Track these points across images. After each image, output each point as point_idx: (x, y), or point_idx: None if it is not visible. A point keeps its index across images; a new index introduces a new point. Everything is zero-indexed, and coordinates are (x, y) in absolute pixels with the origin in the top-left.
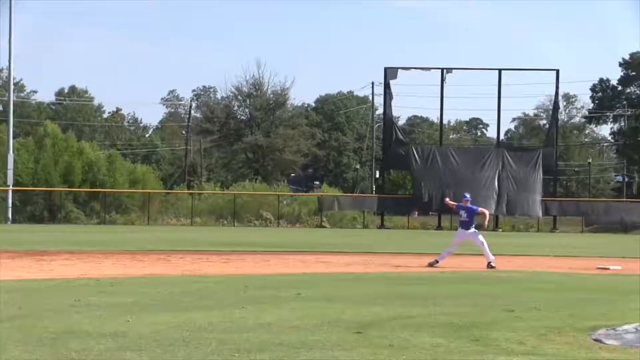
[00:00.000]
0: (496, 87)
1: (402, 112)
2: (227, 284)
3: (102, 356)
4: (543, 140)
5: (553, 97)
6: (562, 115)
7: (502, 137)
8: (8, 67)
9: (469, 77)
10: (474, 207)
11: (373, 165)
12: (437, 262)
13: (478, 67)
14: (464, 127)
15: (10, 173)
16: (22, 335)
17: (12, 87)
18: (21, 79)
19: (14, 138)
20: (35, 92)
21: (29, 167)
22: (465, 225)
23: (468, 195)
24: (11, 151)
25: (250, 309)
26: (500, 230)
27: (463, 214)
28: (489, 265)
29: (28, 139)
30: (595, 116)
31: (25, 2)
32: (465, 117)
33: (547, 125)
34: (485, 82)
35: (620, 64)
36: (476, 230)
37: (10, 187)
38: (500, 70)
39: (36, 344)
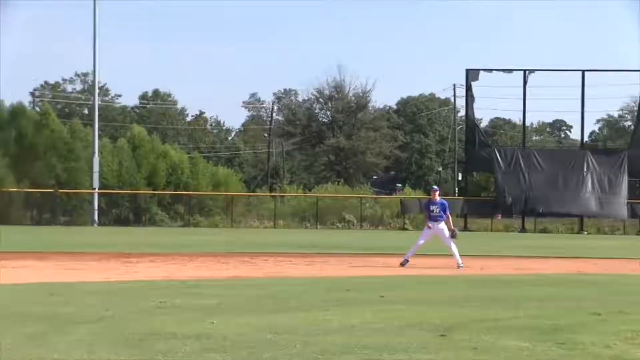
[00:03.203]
0: (579, 89)
1: (484, 114)
2: (310, 286)
3: (188, 357)
4: (629, 142)
5: (638, 98)
6: None
7: (586, 138)
8: (93, 72)
9: (551, 78)
10: (445, 202)
11: (455, 167)
12: (407, 261)
13: (561, 68)
14: (547, 129)
15: (96, 176)
16: (110, 337)
17: (97, 91)
18: (105, 83)
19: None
20: (119, 95)
21: (114, 170)
22: (437, 220)
23: (436, 187)
24: (97, 154)
25: (333, 312)
26: (586, 232)
27: (436, 209)
28: (458, 266)
29: (116, 142)
30: None
31: (110, 6)
32: (549, 119)
33: (632, 127)
34: (568, 84)
35: None
36: (444, 228)
37: (97, 189)
38: (583, 72)
39: (123, 346)
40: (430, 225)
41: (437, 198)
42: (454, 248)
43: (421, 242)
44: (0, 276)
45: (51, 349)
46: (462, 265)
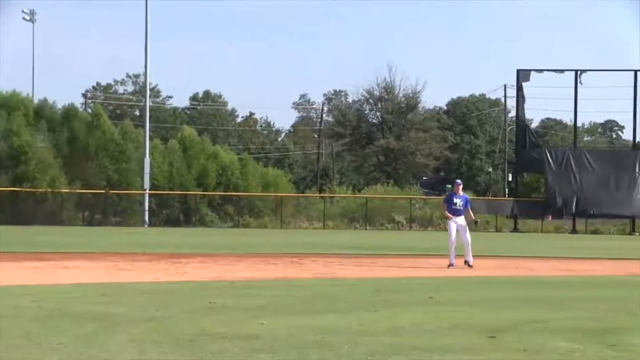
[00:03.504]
0: (632, 89)
1: (534, 114)
2: (359, 287)
3: (237, 358)
4: None
5: None
6: None
7: (638, 139)
8: (144, 73)
9: (603, 79)
10: (467, 196)
11: (506, 168)
12: (453, 264)
13: (612, 68)
14: (599, 130)
15: (146, 177)
16: (160, 337)
17: (148, 92)
18: (157, 85)
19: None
20: (170, 97)
21: (164, 171)
22: (459, 214)
23: (460, 180)
24: (147, 155)
25: (382, 312)
26: (637, 234)
27: (459, 202)
28: (467, 264)
29: (167, 143)
30: None
31: (159, 8)
32: (600, 119)
33: None
34: (620, 84)
35: None
36: (464, 223)
37: (147, 190)
38: (635, 72)
39: (173, 346)
40: (452, 217)
41: (461, 192)
42: (469, 247)
43: (453, 241)
44: (53, 276)
45: (102, 349)
46: (472, 264)
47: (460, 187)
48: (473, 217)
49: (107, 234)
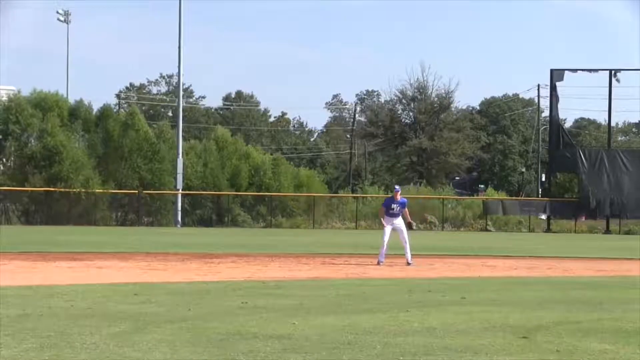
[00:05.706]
0: None
1: (568, 114)
2: (391, 287)
3: (268, 358)
4: None
5: None
6: None
7: None
8: (178, 74)
9: (638, 78)
10: (405, 200)
11: (539, 168)
12: (382, 262)
13: None
14: (633, 130)
15: (179, 177)
16: (192, 336)
17: (181, 92)
18: (190, 85)
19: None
20: (203, 97)
21: (198, 171)
22: (396, 217)
23: (398, 187)
24: (180, 155)
25: (414, 313)
26: None
27: (396, 207)
28: (408, 263)
29: (202, 143)
30: None
31: (192, 8)
32: (635, 119)
33: None
34: None
35: None
36: (402, 224)
37: (180, 190)
38: None
39: (205, 345)
40: (386, 223)
41: (399, 197)
42: (408, 245)
43: (385, 244)
44: (86, 276)
45: (134, 348)
46: (412, 262)
47: (399, 193)
48: (409, 220)
49: (140, 234)
